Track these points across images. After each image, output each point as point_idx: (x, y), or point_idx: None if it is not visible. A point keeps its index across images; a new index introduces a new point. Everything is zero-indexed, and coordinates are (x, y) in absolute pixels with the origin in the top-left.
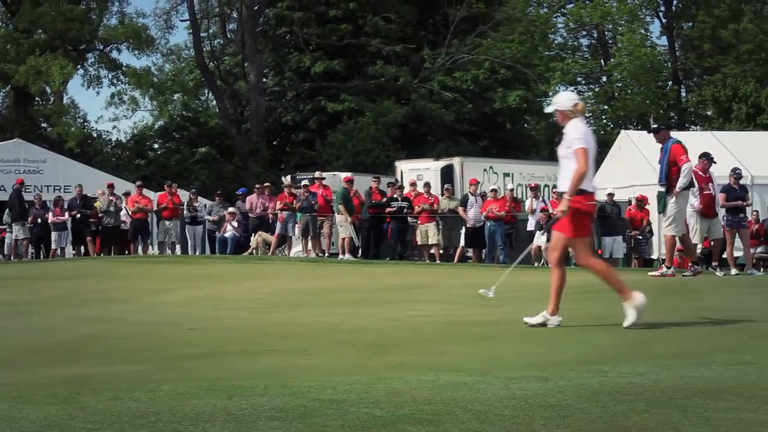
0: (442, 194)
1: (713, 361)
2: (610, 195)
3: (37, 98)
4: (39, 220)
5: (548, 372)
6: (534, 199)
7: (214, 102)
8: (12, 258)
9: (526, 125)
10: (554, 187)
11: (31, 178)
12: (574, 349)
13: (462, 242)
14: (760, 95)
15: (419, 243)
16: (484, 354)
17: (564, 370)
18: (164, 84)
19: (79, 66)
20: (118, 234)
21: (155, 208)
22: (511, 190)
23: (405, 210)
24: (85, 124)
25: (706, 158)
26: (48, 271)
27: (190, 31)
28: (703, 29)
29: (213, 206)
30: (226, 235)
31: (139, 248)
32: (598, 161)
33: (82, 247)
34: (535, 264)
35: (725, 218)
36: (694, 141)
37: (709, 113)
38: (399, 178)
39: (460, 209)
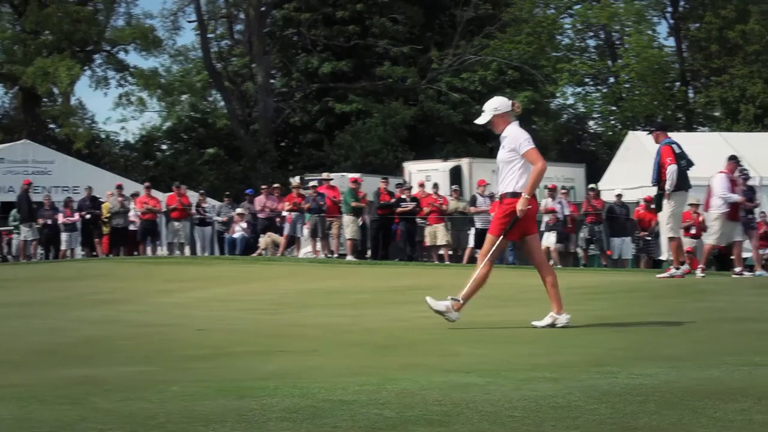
0: (450, 195)
1: (723, 362)
2: (619, 196)
3: (44, 99)
4: (49, 221)
5: (558, 373)
6: (550, 200)
7: (222, 103)
8: (20, 259)
9: (534, 126)
10: (563, 188)
11: (40, 179)
12: (582, 350)
13: (471, 243)
14: (767, 96)
15: (428, 244)
16: (494, 355)
17: (574, 371)
18: (172, 85)
19: (86, 67)
20: (127, 235)
21: (164, 209)
22: None
23: (415, 208)
24: (93, 125)
25: (735, 161)
26: (56, 272)
27: (198, 32)
28: (710, 30)
29: (222, 207)
30: (235, 236)
31: (148, 249)
32: (607, 162)
33: (92, 248)
34: None
35: None
36: (702, 142)
37: (716, 114)
38: (407, 179)
39: (472, 208)
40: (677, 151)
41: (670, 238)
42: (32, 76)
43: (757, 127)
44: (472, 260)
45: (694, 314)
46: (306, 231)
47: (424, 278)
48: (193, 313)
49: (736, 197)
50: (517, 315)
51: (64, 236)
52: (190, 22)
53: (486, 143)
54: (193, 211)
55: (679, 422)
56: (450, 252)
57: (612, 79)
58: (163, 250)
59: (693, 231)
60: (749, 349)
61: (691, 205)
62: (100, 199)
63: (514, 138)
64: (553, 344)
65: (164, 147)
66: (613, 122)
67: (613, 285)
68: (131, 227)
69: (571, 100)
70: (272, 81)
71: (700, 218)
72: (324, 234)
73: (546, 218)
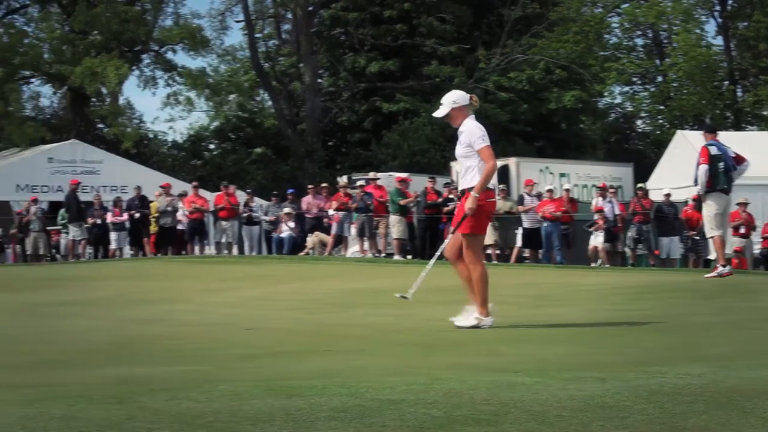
0: (498, 195)
1: None
2: (667, 195)
3: (93, 99)
4: (98, 221)
5: (605, 373)
6: (600, 199)
7: (270, 103)
8: (69, 258)
9: (581, 125)
10: (611, 187)
11: (88, 178)
12: (628, 350)
13: (519, 243)
14: None
15: None
16: (537, 354)
17: (620, 370)
18: (219, 85)
19: (134, 67)
20: (175, 234)
21: (212, 209)
22: (567, 190)
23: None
24: (141, 124)
25: None
26: (104, 271)
27: (245, 32)
28: (758, 29)
29: (270, 207)
30: (283, 235)
31: (196, 249)
32: (655, 161)
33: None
34: (592, 264)
35: None
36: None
37: (765, 113)
38: (455, 179)
39: (519, 207)
40: (713, 153)
41: (711, 237)
42: (80, 76)
43: None
44: (520, 260)
45: (742, 314)
46: (353, 230)
47: None
48: (240, 313)
49: None
50: (561, 315)
51: (113, 235)
52: (237, 21)
53: (533, 143)
54: (241, 210)
55: (728, 422)
56: (497, 251)
57: (660, 78)
58: (210, 250)
59: (742, 230)
60: None
61: (739, 204)
62: (149, 199)
63: (470, 133)
64: (597, 344)
65: (212, 146)
66: (661, 121)
67: (660, 284)
68: (179, 227)
69: (618, 99)
70: (319, 80)
71: (749, 217)
72: (371, 233)
73: (595, 217)
